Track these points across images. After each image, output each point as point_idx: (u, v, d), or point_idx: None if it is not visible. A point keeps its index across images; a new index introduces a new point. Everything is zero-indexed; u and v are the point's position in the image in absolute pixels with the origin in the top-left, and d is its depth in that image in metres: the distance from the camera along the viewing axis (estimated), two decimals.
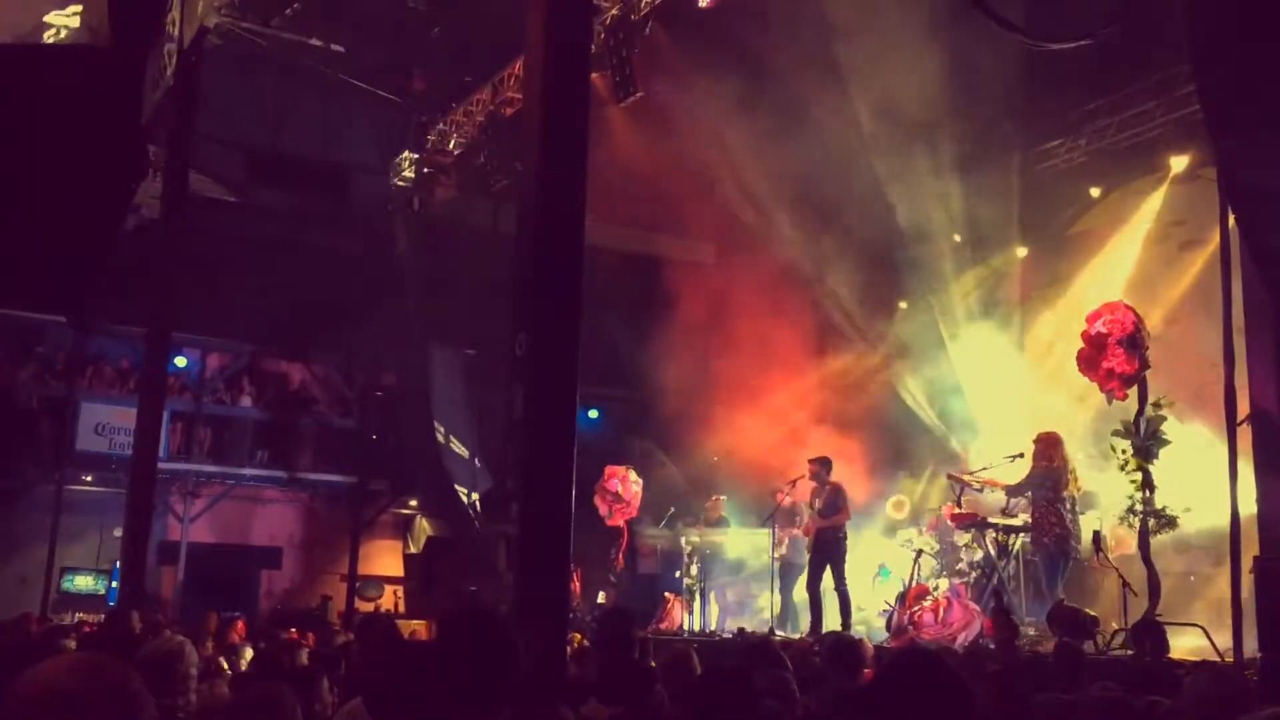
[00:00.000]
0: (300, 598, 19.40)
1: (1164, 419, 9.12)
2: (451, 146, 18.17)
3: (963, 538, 11.55)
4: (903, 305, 18.08)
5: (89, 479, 18.01)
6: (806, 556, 12.21)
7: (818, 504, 11.66)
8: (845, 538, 11.48)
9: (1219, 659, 8.12)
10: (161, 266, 14.21)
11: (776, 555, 12.75)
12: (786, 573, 12.61)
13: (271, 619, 15.92)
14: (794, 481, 12.33)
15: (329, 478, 19.40)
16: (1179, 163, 14.22)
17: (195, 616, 13.94)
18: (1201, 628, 9.16)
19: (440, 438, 18.59)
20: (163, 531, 18.50)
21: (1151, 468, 9.24)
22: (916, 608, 10.55)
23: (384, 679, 3.93)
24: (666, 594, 13.94)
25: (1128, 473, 9.19)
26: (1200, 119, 8.57)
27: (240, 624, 12.30)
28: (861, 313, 17.84)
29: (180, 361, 18.77)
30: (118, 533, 16.14)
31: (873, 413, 16.78)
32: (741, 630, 12.26)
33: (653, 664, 6.34)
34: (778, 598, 12.32)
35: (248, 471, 19.19)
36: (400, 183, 18.96)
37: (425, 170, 18.47)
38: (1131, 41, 12.63)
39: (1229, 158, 7.76)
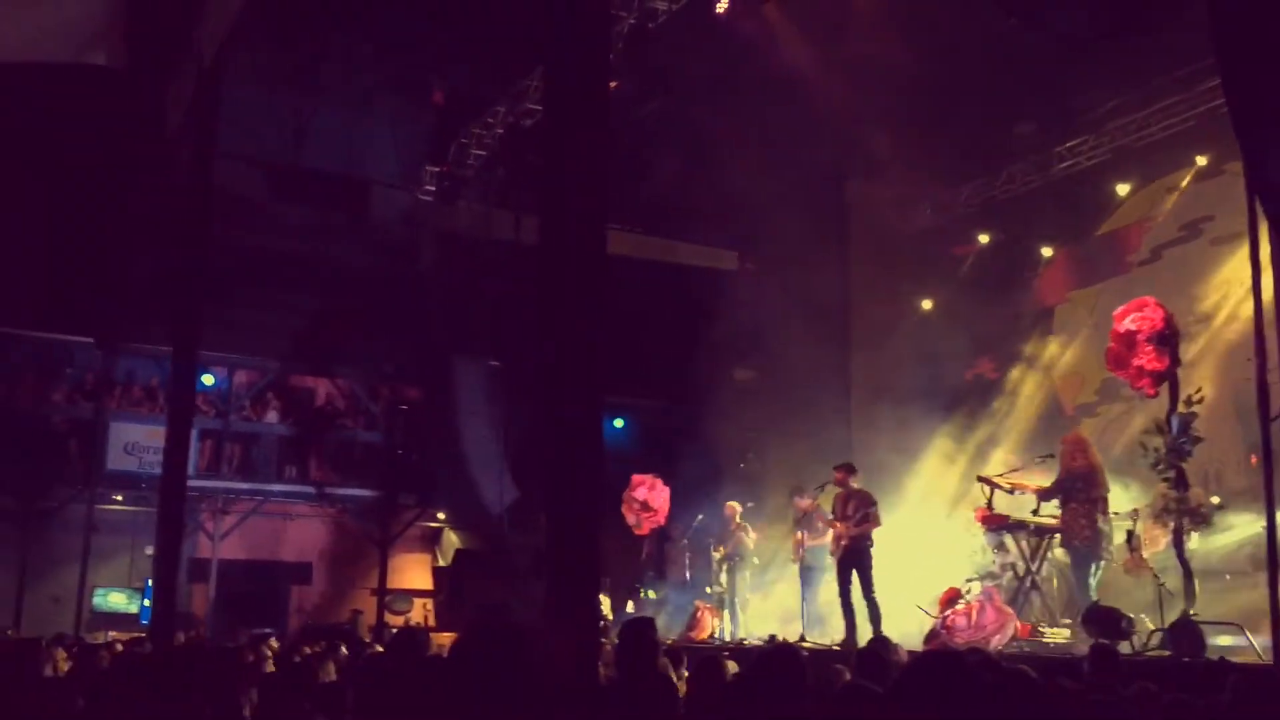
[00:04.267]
0: (331, 613, 19.46)
1: (1195, 415, 9.02)
2: (471, 160, 18.22)
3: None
4: (925, 305, 18.00)
5: (119, 498, 18.13)
6: (825, 561, 12.18)
7: (849, 510, 11.54)
8: (872, 545, 11.39)
9: (1259, 658, 8.01)
10: (186, 285, 14.28)
11: (795, 560, 12.73)
12: (806, 578, 12.58)
13: (302, 634, 15.96)
14: (822, 486, 12.25)
15: (356, 492, 19.45)
16: (1203, 158, 14.13)
17: (227, 633, 14.03)
18: (1239, 626, 9.03)
19: (467, 450, 18.62)
20: (193, 549, 18.61)
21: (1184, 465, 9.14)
22: (949, 611, 10.45)
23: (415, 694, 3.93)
24: (697, 603, 13.89)
25: (1160, 471, 9.09)
26: (1225, 113, 8.48)
27: (271, 641, 12.35)
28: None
29: (208, 379, 18.89)
30: (149, 551, 16.24)
31: None
32: (772, 637, 12.19)
33: (685, 673, 6.31)
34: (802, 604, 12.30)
35: (276, 487, 19.28)
36: (422, 196, 19.03)
37: (446, 183, 18.52)
38: (1154, 35, 12.58)
39: (1256, 152, 7.67)
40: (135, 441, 17.86)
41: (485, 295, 18.15)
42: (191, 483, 15.92)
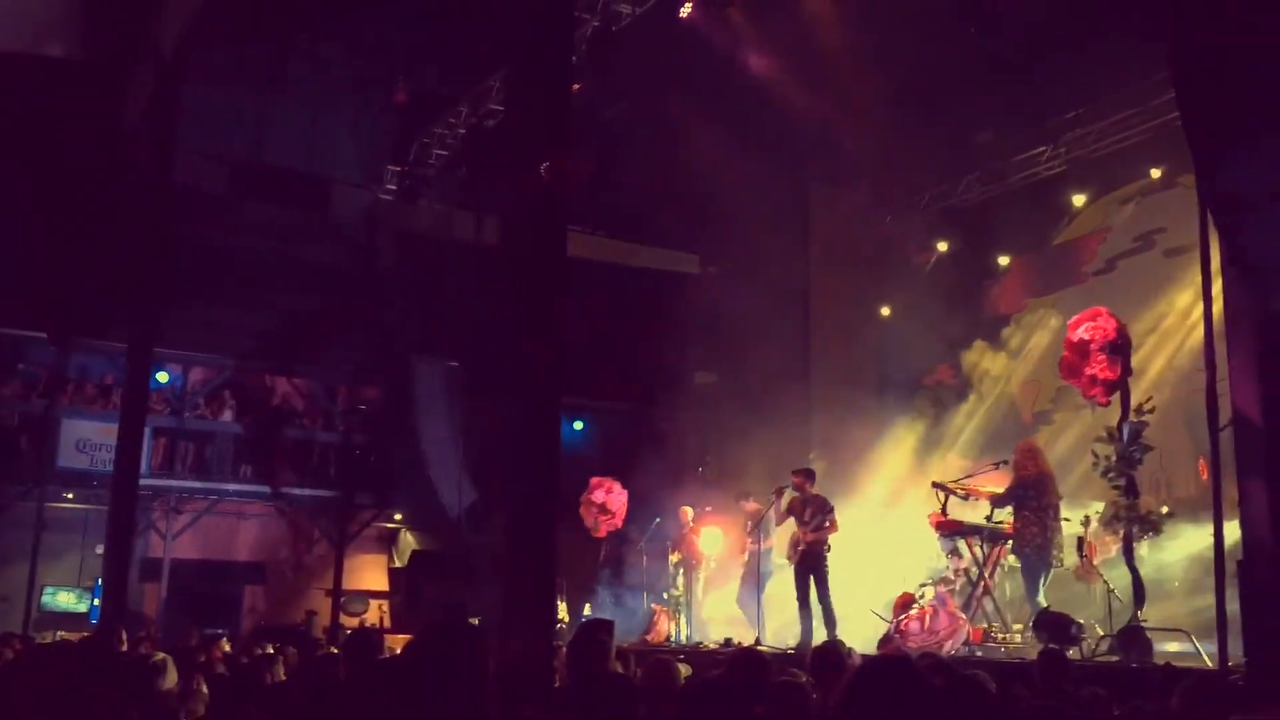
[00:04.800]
0: (285, 613, 19.29)
1: (1145, 424, 9.15)
2: (433, 159, 18.15)
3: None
4: (884, 311, 18.14)
5: (70, 496, 17.88)
6: (776, 564, 12.22)
7: (807, 515, 11.61)
8: (829, 550, 11.46)
9: (1205, 664, 8.13)
10: (144, 282, 14.13)
11: (744, 564, 12.83)
12: (757, 582, 12.67)
13: (255, 635, 15.81)
14: (780, 490, 12.31)
15: (313, 492, 19.29)
16: (1157, 170, 14.35)
17: (179, 633, 13.87)
18: (1187, 633, 9.17)
19: (425, 450, 18.54)
20: (145, 548, 18.38)
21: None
22: (903, 616, 10.53)
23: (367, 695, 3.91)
24: (653, 606, 13.91)
25: (1111, 479, 9.22)
26: (1179, 127, 8.62)
27: (223, 642, 12.22)
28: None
29: (162, 377, 18.67)
30: (99, 550, 16.03)
31: None
32: (728, 640, 12.24)
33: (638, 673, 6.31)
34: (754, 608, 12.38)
35: (231, 487, 19.08)
36: (383, 195, 18.93)
37: (407, 182, 18.44)
38: (1111, 50, 12.78)
39: (1208, 165, 7.80)
40: (87, 439, 17.61)
41: (446, 295, 18.08)
42: (144, 481, 15.75)
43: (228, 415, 19.68)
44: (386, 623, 18.40)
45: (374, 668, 4.80)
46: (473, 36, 14.68)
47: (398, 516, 20.23)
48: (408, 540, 20.22)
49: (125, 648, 9.51)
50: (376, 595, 19.55)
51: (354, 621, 18.25)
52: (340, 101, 18.52)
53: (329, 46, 17.28)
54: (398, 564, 20.16)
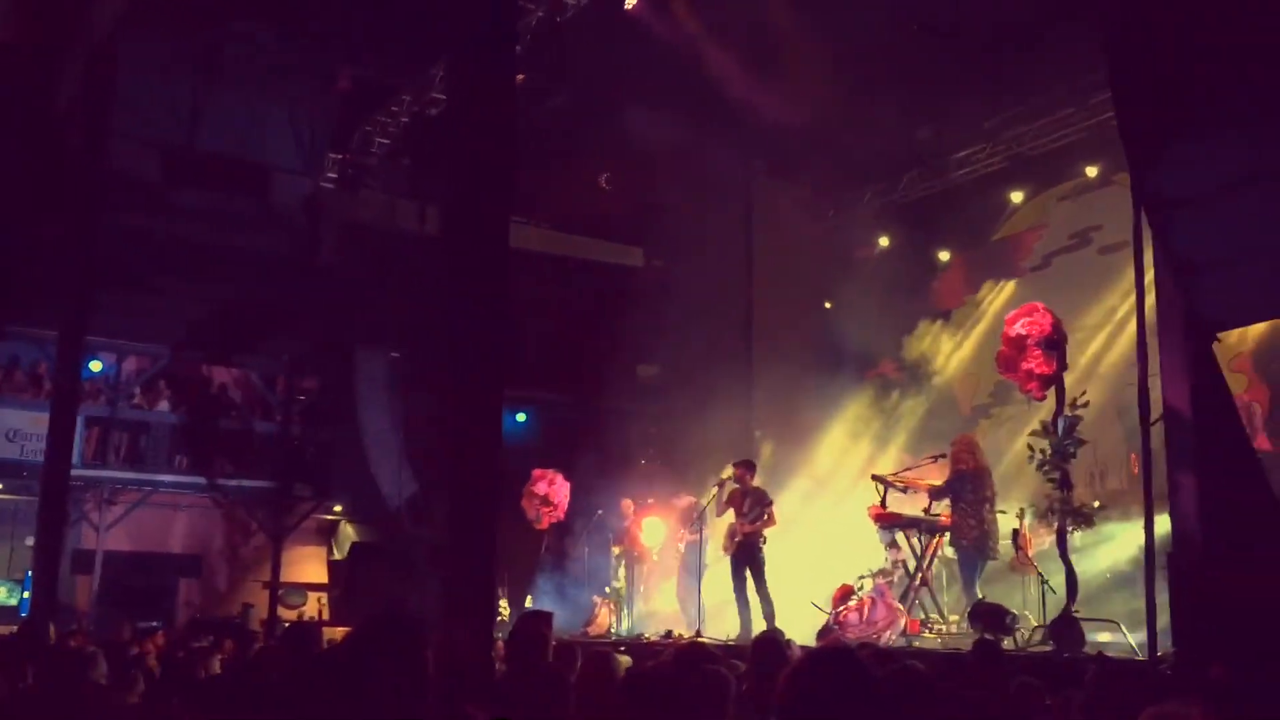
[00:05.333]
0: (221, 606, 19.05)
1: (1080, 419, 9.30)
2: (375, 148, 17.95)
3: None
4: (827, 305, 18.26)
5: (0, 486, 17.51)
6: (712, 556, 12.31)
7: (745, 508, 11.70)
8: (765, 542, 11.58)
9: (1135, 654, 8.31)
10: (76, 268, 13.86)
11: (679, 556, 12.96)
12: (689, 573, 12.77)
13: (190, 628, 15.59)
14: (721, 483, 12.37)
15: (250, 483, 19.04)
16: (1093, 168, 14.58)
17: (111, 626, 13.63)
18: (1117, 623, 9.37)
19: (365, 442, 18.36)
20: (77, 540, 18.04)
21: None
22: (842, 607, 10.64)
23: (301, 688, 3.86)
24: (595, 597, 13.93)
25: (1045, 472, 9.36)
26: (1115, 126, 8.78)
27: (159, 636, 12.03)
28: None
29: (95, 365, 18.32)
30: (30, 542, 15.70)
31: None
32: (669, 632, 12.28)
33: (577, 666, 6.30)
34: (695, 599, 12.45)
35: (166, 478, 18.77)
36: (324, 183, 18.69)
37: (349, 171, 18.22)
38: (1050, 48, 12.96)
39: (1142, 164, 7.95)
40: (17, 428, 17.24)
41: (387, 285, 17.89)
42: (76, 472, 15.47)
43: (163, 405, 19.36)
44: (325, 615, 18.23)
45: (312, 661, 4.75)
46: (416, 24, 14.52)
47: (337, 508, 20.04)
48: (348, 532, 20.04)
49: (55, 641, 9.33)
50: (315, 588, 19.34)
51: (292, 614, 18.06)
52: (279, 88, 18.21)
53: (268, 31, 16.97)
54: (337, 556, 19.96)
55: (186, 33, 16.16)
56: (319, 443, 19.38)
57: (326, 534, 20.55)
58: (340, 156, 18.33)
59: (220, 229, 18.05)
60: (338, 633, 14.75)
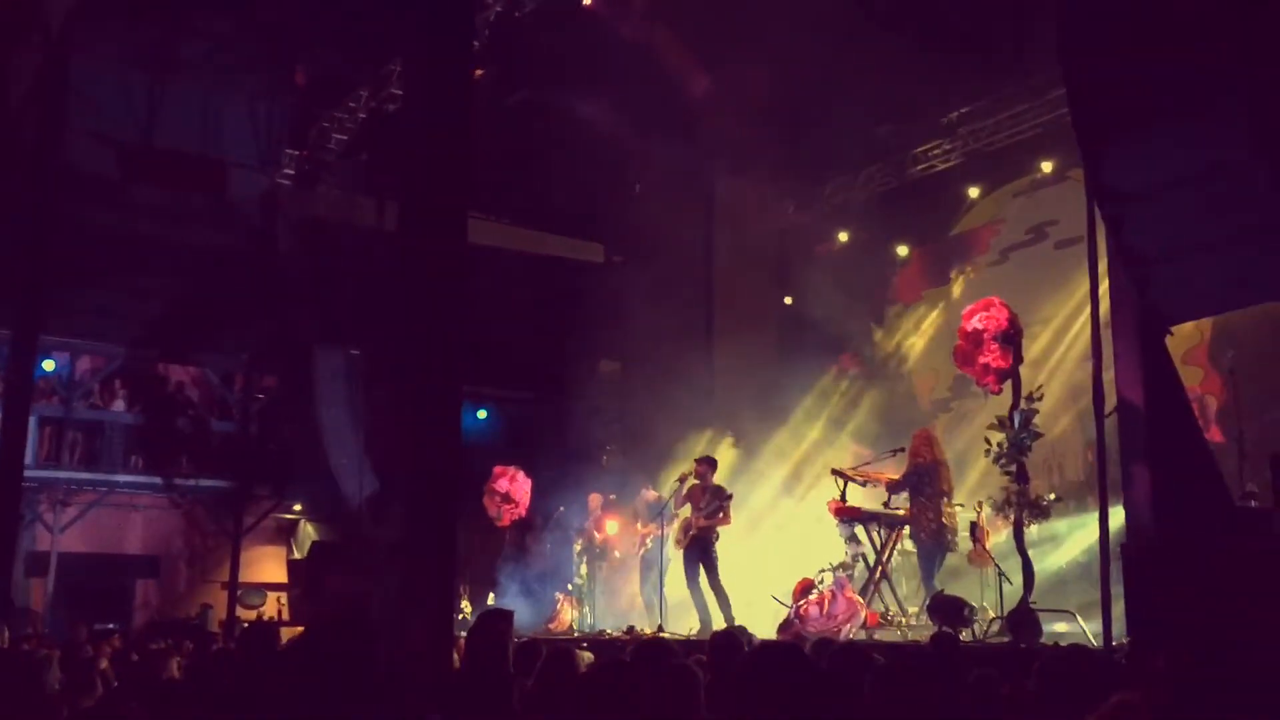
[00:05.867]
0: (179, 607, 18.84)
1: (1036, 412, 9.40)
2: (332, 144, 17.81)
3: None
4: (787, 300, 18.33)
5: None
6: (671, 552, 12.38)
7: (702, 503, 11.77)
8: (718, 538, 11.67)
9: (1090, 644, 8.40)
10: (29, 265, 13.66)
11: (640, 552, 13.02)
12: (650, 569, 12.80)
13: (148, 630, 15.42)
14: (683, 479, 12.40)
15: (208, 483, 18.82)
16: (1049, 163, 14.72)
17: (67, 629, 13.47)
18: (1073, 613, 9.49)
19: (325, 440, 18.23)
20: (31, 541, 17.77)
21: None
22: (803, 601, 10.69)
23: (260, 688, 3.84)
24: (557, 594, 13.90)
25: (1002, 465, 9.46)
26: (1069, 122, 8.87)
27: (116, 638, 11.90)
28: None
29: (49, 365, 18.04)
30: None
31: None
32: (631, 628, 12.30)
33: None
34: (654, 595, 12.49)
35: (121, 478, 18.53)
36: (281, 179, 18.52)
37: (306, 167, 18.07)
38: (1006, 45, 13.08)
39: (1095, 159, 8.04)
40: None
41: (346, 282, 17.76)
42: (29, 473, 15.24)
43: (119, 404, 19.11)
44: (285, 615, 18.10)
45: (269, 661, 4.71)
46: (373, 19, 14.43)
47: (297, 507, 19.86)
48: (307, 531, 19.88)
49: (8, 645, 9.19)
50: (275, 588, 19.19)
51: (251, 615, 17.91)
52: (236, 83, 18.03)
53: (224, 26, 16.79)
54: (297, 555, 19.81)
55: (142, 27, 15.95)
56: (278, 441, 19.19)
57: (286, 533, 20.37)
58: (297, 152, 18.18)
59: (176, 225, 17.85)
60: (297, 633, 14.69)
